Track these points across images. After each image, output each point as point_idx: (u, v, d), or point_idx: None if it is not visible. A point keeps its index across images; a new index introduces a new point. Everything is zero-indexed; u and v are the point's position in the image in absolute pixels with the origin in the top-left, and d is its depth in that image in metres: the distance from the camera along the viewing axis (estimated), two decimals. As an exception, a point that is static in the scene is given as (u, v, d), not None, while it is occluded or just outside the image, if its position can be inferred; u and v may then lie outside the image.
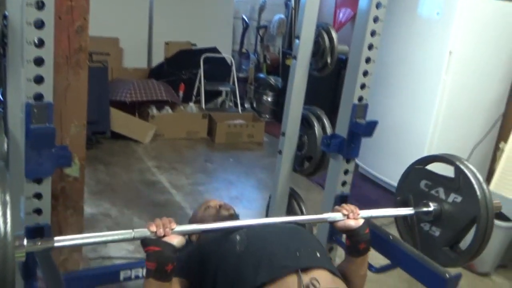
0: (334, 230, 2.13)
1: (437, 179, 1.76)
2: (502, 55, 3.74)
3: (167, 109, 4.98)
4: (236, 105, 5.70)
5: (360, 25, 2.02)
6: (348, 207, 1.67)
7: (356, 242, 1.63)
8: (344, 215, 1.64)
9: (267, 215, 2.61)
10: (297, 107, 2.44)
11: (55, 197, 2.28)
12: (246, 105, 6.25)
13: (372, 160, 4.22)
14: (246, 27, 5.98)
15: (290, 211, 2.59)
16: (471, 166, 1.68)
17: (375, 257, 2.10)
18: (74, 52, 2.10)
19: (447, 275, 1.64)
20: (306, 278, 1.39)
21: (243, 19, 6.06)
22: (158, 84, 4.96)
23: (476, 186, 1.64)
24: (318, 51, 2.32)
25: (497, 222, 2.86)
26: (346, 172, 2.16)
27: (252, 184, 4.14)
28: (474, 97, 3.71)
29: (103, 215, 3.26)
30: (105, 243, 1.79)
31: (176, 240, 1.37)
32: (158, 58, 5.76)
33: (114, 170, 4.04)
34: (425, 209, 1.79)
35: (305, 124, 2.46)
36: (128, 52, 5.69)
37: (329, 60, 2.24)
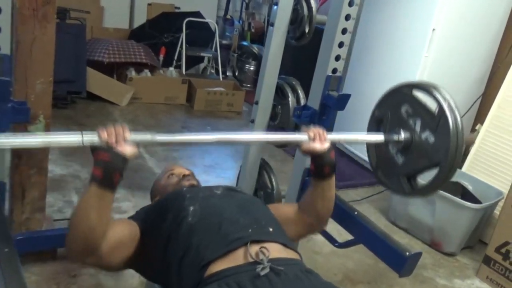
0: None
1: (419, 109, 1.63)
2: (485, 35, 3.71)
3: (146, 72, 4.89)
4: (217, 72, 5.61)
5: (338, -6, 1.96)
6: (315, 130, 1.63)
7: (321, 165, 1.62)
8: (311, 137, 1.61)
9: (237, 185, 2.58)
10: (272, 76, 2.40)
11: (19, 156, 2.22)
12: (228, 73, 6.17)
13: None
14: (232, -8, 5.86)
15: (260, 182, 2.57)
16: (456, 113, 1.55)
17: (342, 232, 2.10)
18: (41, 4, 2.00)
19: (407, 253, 1.64)
20: (255, 248, 1.36)
21: (229, -16, 5.93)
22: (138, 46, 4.85)
23: (451, 138, 1.53)
24: (296, 19, 2.27)
25: (465, 203, 2.89)
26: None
27: (228, 153, 4.09)
28: (455, 77, 3.68)
29: (72, 176, 3.20)
30: (50, 145, 1.72)
31: (128, 150, 1.33)
32: (140, 19, 5.62)
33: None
34: (395, 137, 1.70)
35: (280, 94, 2.42)
36: (109, 12, 5.54)
37: (307, 29, 2.19)
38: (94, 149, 1.33)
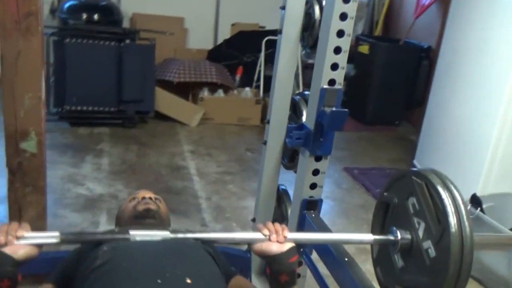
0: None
1: (426, 209, 1.25)
2: None
3: (220, 93, 4.76)
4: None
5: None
6: (272, 227, 1.30)
7: (276, 272, 1.27)
8: (265, 235, 1.28)
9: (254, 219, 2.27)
10: (285, 91, 2.07)
11: (12, 172, 2.14)
12: (316, 94, 5.83)
13: (428, 160, 3.66)
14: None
15: (278, 214, 2.24)
16: (466, 230, 1.15)
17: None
18: (23, 16, 1.91)
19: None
20: None
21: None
22: (210, 66, 4.75)
23: (450, 264, 1.14)
24: (308, 24, 1.94)
25: None
26: (315, 172, 1.76)
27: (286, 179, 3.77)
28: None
29: (110, 196, 3.12)
30: None
31: (21, 251, 1.13)
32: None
33: (146, 151, 3.91)
34: (391, 237, 1.33)
35: (296, 112, 2.09)
36: (193, 33, 5.56)
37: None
38: None
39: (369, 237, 1.38)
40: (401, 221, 1.33)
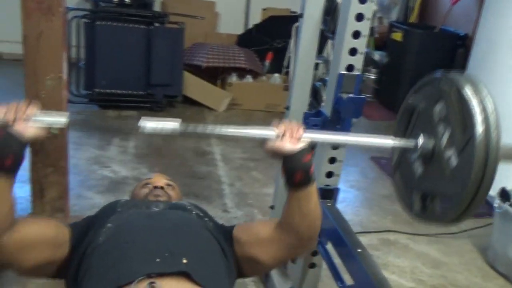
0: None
1: (453, 116, 1.17)
2: None
3: (248, 78, 4.72)
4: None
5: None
6: (287, 125, 1.27)
7: (290, 171, 1.24)
8: (279, 134, 1.24)
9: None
10: (305, 76, 2.03)
11: (35, 152, 2.18)
12: (347, 81, 5.73)
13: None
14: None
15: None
16: (492, 139, 1.07)
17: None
18: (45, -4, 1.92)
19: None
20: (143, 284, 1.07)
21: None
22: (239, 51, 4.71)
23: (473, 174, 1.08)
24: (330, 8, 1.89)
25: None
26: (332, 160, 1.72)
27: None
28: None
29: (134, 179, 3.14)
30: None
31: (28, 131, 1.14)
32: (255, 25, 5.51)
33: (172, 136, 3.90)
34: (412, 143, 1.28)
35: (317, 98, 2.05)
36: (224, 17, 5.52)
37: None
38: None
39: (389, 140, 1.32)
40: (425, 127, 1.27)
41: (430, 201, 1.24)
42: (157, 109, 4.35)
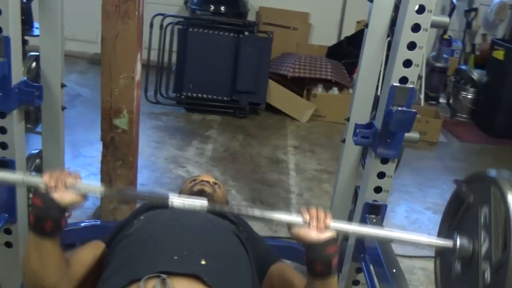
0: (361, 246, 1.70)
1: (495, 227, 1.09)
2: None
3: (334, 90, 4.67)
4: (427, 97, 5.04)
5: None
6: (314, 212, 1.25)
7: (311, 260, 1.22)
8: (306, 221, 1.24)
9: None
10: (368, 87, 1.98)
11: (105, 146, 2.32)
12: (442, 100, 5.48)
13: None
14: (452, 8, 5.16)
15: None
16: None
17: None
18: (122, 1, 2.05)
19: None
20: (152, 283, 1.09)
21: (451, 0, 5.23)
22: (326, 62, 4.68)
23: None
24: (397, 19, 1.82)
25: None
26: (381, 175, 1.65)
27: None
28: None
29: (205, 180, 3.22)
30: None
31: (68, 198, 1.21)
32: (349, 37, 5.44)
33: (250, 142, 3.98)
34: (449, 244, 1.22)
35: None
36: (317, 29, 5.52)
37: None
38: (34, 193, 1.25)
39: (424, 238, 1.28)
40: (470, 227, 1.18)
41: None
42: (240, 115, 4.44)
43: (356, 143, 1.68)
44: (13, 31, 1.52)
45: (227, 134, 4.06)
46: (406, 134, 1.58)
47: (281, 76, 4.62)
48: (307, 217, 1.24)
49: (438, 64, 5.33)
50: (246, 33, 4.38)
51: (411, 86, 1.54)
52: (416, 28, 1.48)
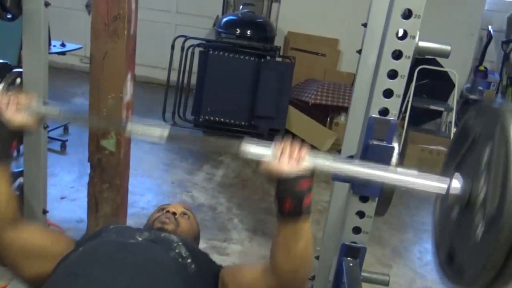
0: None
1: (495, 169, 0.93)
2: None
3: (358, 119, 4.50)
4: (450, 129, 4.79)
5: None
6: (287, 146, 1.12)
7: (281, 197, 1.10)
8: (276, 154, 1.11)
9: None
10: (360, 117, 1.84)
11: (93, 167, 2.25)
12: (476, 134, 5.20)
13: None
14: (489, 40, 4.92)
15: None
16: None
17: None
18: (112, 19, 2.00)
19: None
20: None
21: (488, 30, 4.99)
22: (350, 90, 4.52)
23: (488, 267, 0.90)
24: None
25: None
26: (360, 214, 1.50)
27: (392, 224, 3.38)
28: None
29: (209, 207, 3.13)
30: None
31: (18, 119, 1.17)
32: (378, 65, 5.27)
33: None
34: (442, 185, 1.07)
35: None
36: (346, 56, 5.38)
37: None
38: None
39: (412, 178, 1.10)
40: (470, 167, 1.03)
41: (453, 254, 1.05)
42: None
43: (333, 179, 1.53)
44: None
45: (240, 160, 3.95)
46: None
47: (303, 102, 4.50)
48: (279, 150, 1.11)
49: (473, 97, 5.07)
50: (268, 57, 4.30)
51: (392, 118, 1.39)
52: (398, 55, 1.34)
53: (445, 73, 4.81)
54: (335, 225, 1.95)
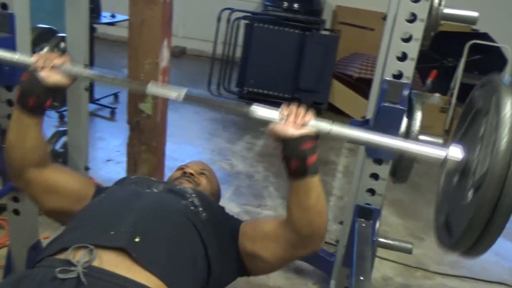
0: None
1: (487, 137, 0.99)
2: None
3: (403, 94, 4.44)
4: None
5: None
6: (293, 109, 1.20)
7: (286, 157, 1.18)
8: (282, 117, 1.19)
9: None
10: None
11: (132, 129, 2.38)
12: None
13: None
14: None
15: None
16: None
17: None
18: (149, -13, 2.09)
19: None
20: (81, 252, 1.10)
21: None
22: (396, 65, 4.46)
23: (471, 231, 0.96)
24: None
25: None
26: (374, 176, 1.53)
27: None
28: None
29: (246, 175, 3.22)
30: None
31: (53, 78, 1.28)
32: (429, 40, 5.14)
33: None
34: (441, 153, 1.10)
35: (410, 110, 1.86)
36: (395, 30, 5.27)
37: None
38: (25, 69, 1.33)
39: (412, 145, 1.16)
40: (471, 137, 1.09)
41: (448, 218, 1.10)
42: (300, 113, 4.36)
43: (347, 141, 1.56)
44: (19, 8, 1.60)
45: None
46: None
47: (347, 76, 4.49)
48: (285, 112, 1.19)
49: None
50: (313, 30, 4.30)
51: (406, 81, 1.41)
52: (412, 17, 1.36)
53: (498, 48, 4.64)
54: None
